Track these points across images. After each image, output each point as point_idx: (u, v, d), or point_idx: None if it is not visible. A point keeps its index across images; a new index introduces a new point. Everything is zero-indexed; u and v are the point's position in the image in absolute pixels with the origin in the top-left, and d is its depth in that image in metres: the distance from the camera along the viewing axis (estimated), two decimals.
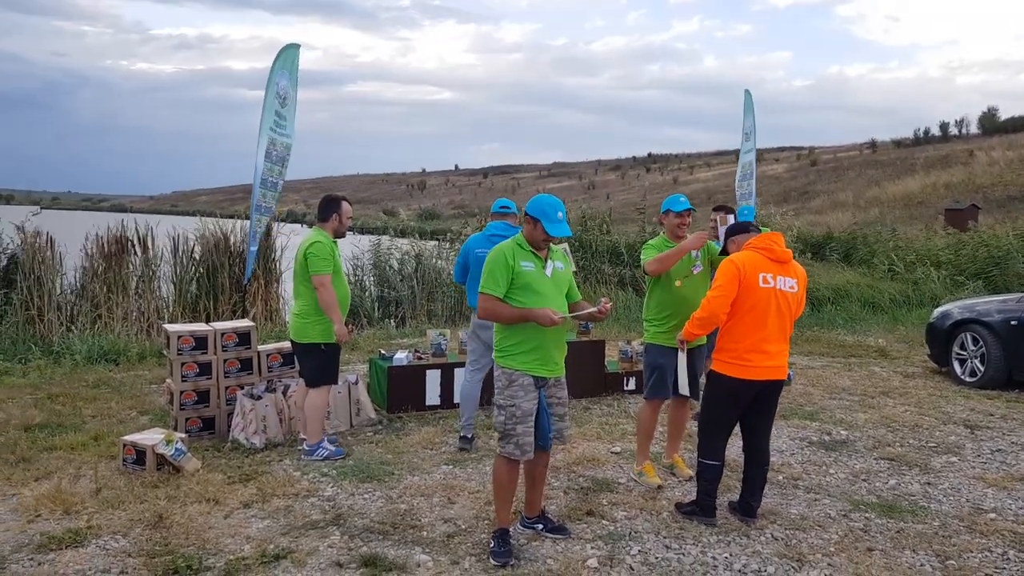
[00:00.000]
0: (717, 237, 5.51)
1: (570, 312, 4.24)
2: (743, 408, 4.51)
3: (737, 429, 4.64)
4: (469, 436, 5.90)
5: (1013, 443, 6.36)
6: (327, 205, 5.71)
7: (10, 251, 9.77)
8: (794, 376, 8.38)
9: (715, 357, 4.53)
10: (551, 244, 4.22)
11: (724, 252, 5.03)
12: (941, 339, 8.96)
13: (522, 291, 4.05)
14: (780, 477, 5.39)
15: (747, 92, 12.24)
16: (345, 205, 5.72)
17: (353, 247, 13.38)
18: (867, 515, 4.76)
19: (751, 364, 4.37)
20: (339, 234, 5.73)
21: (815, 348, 10.64)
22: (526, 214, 4.12)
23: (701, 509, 4.57)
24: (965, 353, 8.64)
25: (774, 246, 4.49)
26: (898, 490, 5.25)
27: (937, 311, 9.40)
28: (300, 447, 5.67)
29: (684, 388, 4.94)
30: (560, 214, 4.06)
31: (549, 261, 4.17)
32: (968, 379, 8.51)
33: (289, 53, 8.23)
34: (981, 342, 8.44)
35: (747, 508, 4.62)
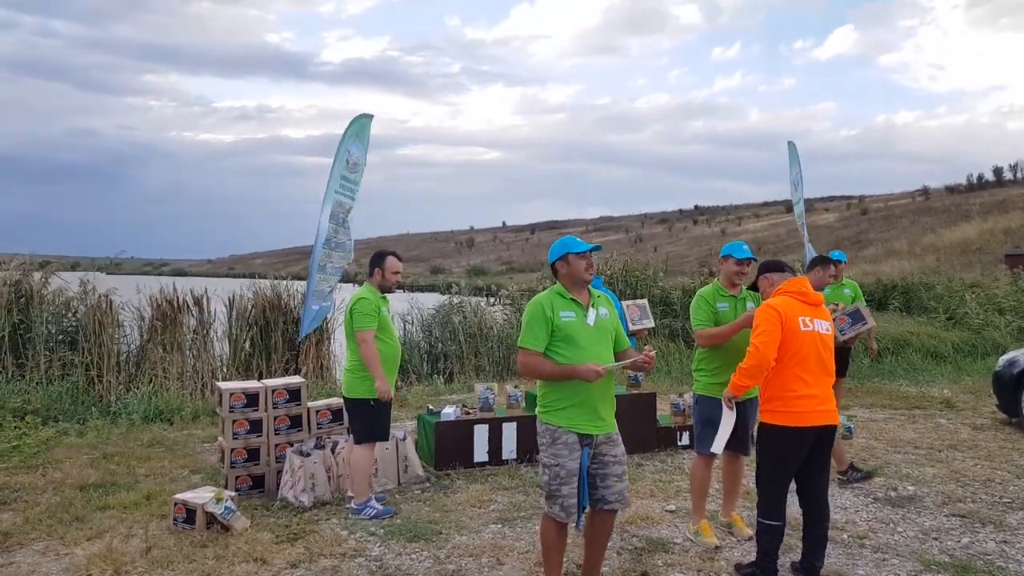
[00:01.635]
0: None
1: (616, 360, 4.08)
2: (800, 459, 4.34)
3: (792, 485, 4.46)
4: None
5: None
6: (372, 260, 5.76)
7: (77, 315, 10.01)
8: (855, 429, 8.08)
9: (764, 408, 4.38)
10: (593, 292, 4.11)
11: (754, 287, 4.91)
12: (1009, 388, 8.59)
13: (563, 344, 3.90)
14: (845, 536, 5.14)
15: (790, 144, 12.49)
16: (390, 260, 5.73)
17: (404, 304, 13.43)
18: None
19: (804, 411, 4.23)
20: (385, 289, 5.73)
21: (877, 400, 10.29)
22: (555, 262, 4.05)
23: (762, 571, 4.37)
24: None
25: (807, 290, 4.47)
26: (972, 549, 4.97)
27: (1003, 359, 9.04)
28: (348, 505, 5.62)
29: (720, 447, 4.70)
30: (579, 240, 4.06)
31: (591, 308, 4.01)
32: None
33: (361, 122, 8.54)
34: None
35: (810, 568, 4.40)
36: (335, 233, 8.19)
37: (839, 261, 8.69)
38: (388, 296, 5.81)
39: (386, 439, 5.82)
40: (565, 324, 3.91)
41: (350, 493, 5.69)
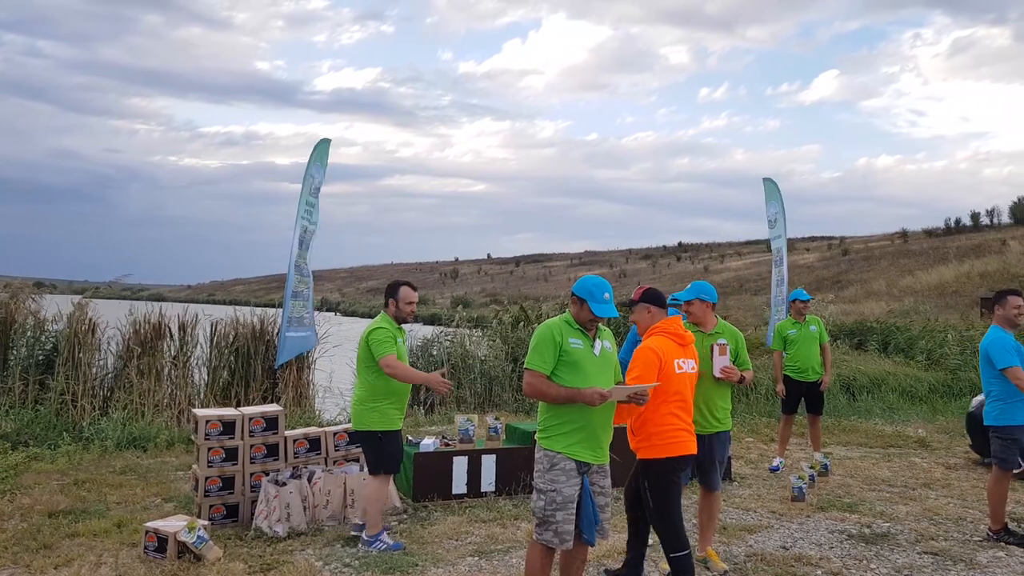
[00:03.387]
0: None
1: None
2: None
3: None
4: None
5: None
6: (387, 290, 5.76)
7: (54, 336, 9.92)
8: (831, 466, 8.13)
9: (645, 445, 4.48)
10: (599, 324, 4.19)
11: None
12: (982, 429, 8.63)
13: (568, 369, 3.99)
14: (819, 572, 5.17)
15: (766, 181, 12.58)
16: (404, 290, 5.69)
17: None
18: None
19: (681, 440, 4.47)
20: (400, 319, 5.70)
21: (853, 438, 10.35)
22: (573, 294, 4.13)
23: None
24: None
25: (681, 331, 4.63)
26: None
27: (976, 400, 9.12)
28: (353, 532, 5.66)
29: None
30: (607, 295, 4.07)
31: (598, 340, 4.14)
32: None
33: (322, 147, 8.59)
34: None
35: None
36: (299, 258, 8.20)
37: (806, 300, 8.79)
38: (404, 327, 5.81)
39: (396, 471, 5.75)
40: (573, 350, 4.01)
41: (356, 520, 5.73)
